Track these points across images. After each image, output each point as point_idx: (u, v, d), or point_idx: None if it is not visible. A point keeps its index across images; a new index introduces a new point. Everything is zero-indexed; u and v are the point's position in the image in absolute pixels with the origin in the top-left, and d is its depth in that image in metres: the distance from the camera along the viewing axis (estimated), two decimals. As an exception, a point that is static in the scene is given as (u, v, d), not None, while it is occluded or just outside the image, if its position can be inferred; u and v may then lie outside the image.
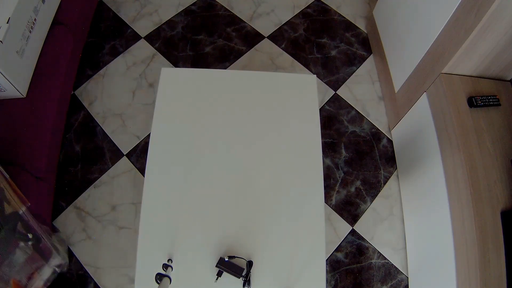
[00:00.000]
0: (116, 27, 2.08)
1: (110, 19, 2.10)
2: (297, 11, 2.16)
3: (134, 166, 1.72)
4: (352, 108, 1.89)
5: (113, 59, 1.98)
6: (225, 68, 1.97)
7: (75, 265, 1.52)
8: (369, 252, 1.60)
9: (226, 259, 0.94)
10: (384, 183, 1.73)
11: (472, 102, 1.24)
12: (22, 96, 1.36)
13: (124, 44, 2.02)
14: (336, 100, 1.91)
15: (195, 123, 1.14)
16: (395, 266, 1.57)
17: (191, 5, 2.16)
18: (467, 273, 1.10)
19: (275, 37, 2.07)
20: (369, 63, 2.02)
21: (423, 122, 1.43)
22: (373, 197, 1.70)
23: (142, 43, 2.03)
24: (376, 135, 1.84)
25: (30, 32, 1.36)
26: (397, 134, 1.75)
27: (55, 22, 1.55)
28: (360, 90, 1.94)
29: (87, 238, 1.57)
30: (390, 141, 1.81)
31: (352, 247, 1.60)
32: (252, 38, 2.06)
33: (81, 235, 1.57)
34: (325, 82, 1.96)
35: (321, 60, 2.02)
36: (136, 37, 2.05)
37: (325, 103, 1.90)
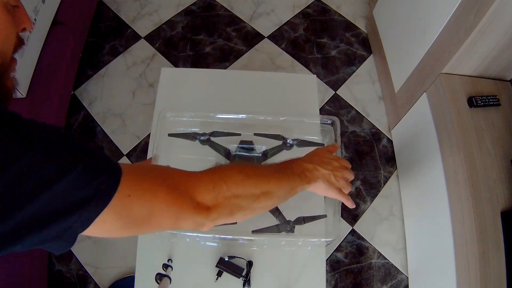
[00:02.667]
0: (116, 27, 2.08)
1: (110, 19, 2.10)
2: (297, 11, 2.16)
3: (134, 166, 1.72)
4: (352, 108, 1.89)
5: (113, 59, 1.98)
6: (225, 68, 1.97)
7: (75, 265, 1.52)
8: (369, 252, 1.60)
9: (226, 259, 0.94)
10: (384, 183, 1.73)
11: (472, 102, 1.24)
12: (22, 96, 1.36)
13: (124, 44, 2.02)
14: (336, 100, 1.91)
15: (195, 123, 1.14)
16: (395, 266, 1.57)
17: (191, 5, 2.16)
18: (467, 273, 1.10)
19: (275, 37, 2.07)
20: (369, 63, 2.02)
21: (423, 122, 1.43)
22: (373, 197, 1.70)
23: (142, 43, 2.03)
24: (376, 135, 1.84)
25: (30, 32, 1.36)
26: (397, 134, 1.75)
27: (55, 22, 1.54)
28: (360, 90, 1.94)
29: (87, 238, 1.57)
30: (390, 141, 1.81)
31: (352, 247, 1.60)
32: (252, 38, 2.06)
33: (81, 235, 1.57)
34: (325, 82, 1.96)
35: (321, 60, 2.02)
36: (136, 37, 2.05)
37: (325, 103, 1.90)
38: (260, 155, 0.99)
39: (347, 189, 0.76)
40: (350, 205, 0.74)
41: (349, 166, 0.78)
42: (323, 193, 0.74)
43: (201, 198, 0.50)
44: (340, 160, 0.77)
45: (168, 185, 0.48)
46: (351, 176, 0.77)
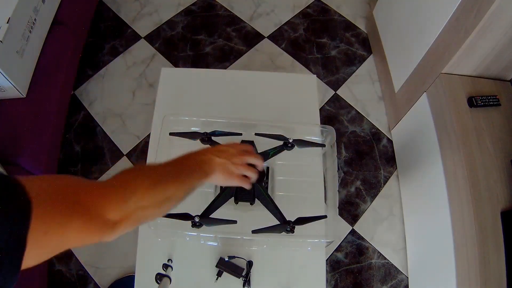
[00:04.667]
0: (116, 27, 2.08)
1: (110, 19, 2.10)
2: (297, 11, 2.16)
3: (134, 166, 1.72)
4: (352, 108, 1.89)
5: (113, 59, 1.98)
6: (225, 68, 1.97)
7: (75, 265, 1.52)
8: (369, 252, 1.60)
9: (226, 259, 0.94)
10: (384, 183, 1.73)
11: (472, 102, 1.24)
12: (22, 96, 1.36)
13: (124, 44, 2.02)
14: (336, 100, 1.92)
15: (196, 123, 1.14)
16: (395, 266, 1.57)
17: (191, 5, 2.16)
18: (467, 273, 1.10)
19: (275, 37, 2.07)
20: (369, 63, 2.02)
21: (423, 122, 1.43)
22: (373, 197, 1.70)
23: (142, 43, 2.03)
24: (376, 135, 1.84)
25: (30, 32, 1.36)
26: (397, 134, 1.75)
27: (55, 22, 1.54)
28: (360, 90, 1.94)
29: (87, 238, 1.56)
30: (390, 141, 1.81)
31: (352, 247, 1.60)
32: (252, 38, 2.06)
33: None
34: (325, 82, 1.96)
35: (321, 60, 2.02)
36: (136, 37, 2.05)
37: (325, 103, 1.90)
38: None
39: (251, 174, 0.73)
40: (247, 187, 0.73)
41: (250, 149, 0.75)
42: (223, 183, 0.72)
43: (111, 216, 0.48)
44: (237, 146, 0.75)
45: (80, 212, 0.45)
46: (255, 160, 0.74)
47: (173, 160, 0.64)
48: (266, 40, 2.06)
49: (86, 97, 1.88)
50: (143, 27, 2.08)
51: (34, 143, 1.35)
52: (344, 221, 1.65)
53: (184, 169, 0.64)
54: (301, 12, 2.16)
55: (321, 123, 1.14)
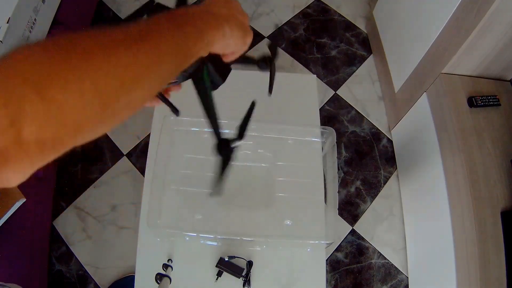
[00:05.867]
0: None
1: (110, 19, 2.10)
2: (297, 11, 2.16)
3: (134, 166, 1.72)
4: (352, 108, 1.89)
5: (113, 59, 1.98)
6: (225, 68, 1.97)
7: (75, 265, 1.52)
8: (369, 252, 1.60)
9: (226, 259, 0.94)
10: (384, 183, 1.73)
11: (472, 102, 1.24)
12: (22, 96, 1.36)
13: (124, 44, 2.02)
14: (336, 100, 1.91)
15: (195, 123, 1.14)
16: (395, 266, 1.57)
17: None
18: (467, 273, 1.10)
19: (275, 37, 2.07)
20: (369, 63, 2.02)
21: (423, 122, 1.43)
22: (373, 197, 1.70)
23: (142, 43, 2.03)
24: (376, 135, 1.84)
25: (30, 32, 1.36)
26: (397, 134, 1.75)
27: (55, 22, 1.54)
28: (360, 90, 1.94)
29: (87, 238, 1.57)
30: (390, 141, 1.81)
31: (352, 247, 1.60)
32: (252, 38, 2.06)
33: (81, 235, 1.57)
34: (325, 82, 1.96)
35: (321, 60, 2.02)
36: (136, 37, 2.05)
37: (325, 103, 1.90)
38: None
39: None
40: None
41: None
42: (237, 45, 0.45)
43: None
44: None
45: None
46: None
47: (140, 21, 0.34)
48: (266, 40, 2.06)
49: (86, 97, 1.88)
50: (143, 27, 2.07)
51: (34, 143, 1.35)
52: (344, 221, 1.65)
53: (163, 32, 0.34)
54: (301, 12, 2.16)
55: (321, 123, 1.15)
